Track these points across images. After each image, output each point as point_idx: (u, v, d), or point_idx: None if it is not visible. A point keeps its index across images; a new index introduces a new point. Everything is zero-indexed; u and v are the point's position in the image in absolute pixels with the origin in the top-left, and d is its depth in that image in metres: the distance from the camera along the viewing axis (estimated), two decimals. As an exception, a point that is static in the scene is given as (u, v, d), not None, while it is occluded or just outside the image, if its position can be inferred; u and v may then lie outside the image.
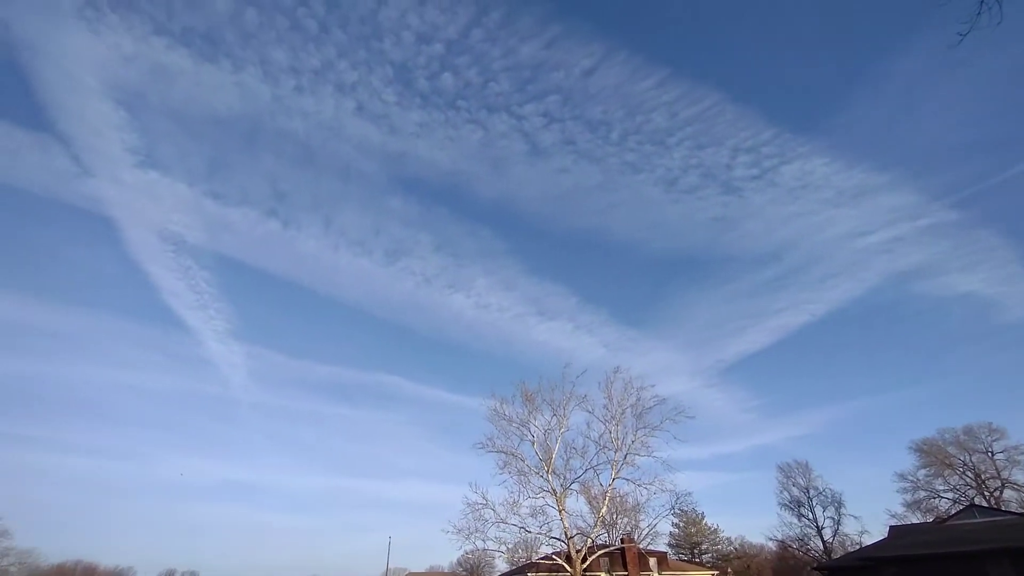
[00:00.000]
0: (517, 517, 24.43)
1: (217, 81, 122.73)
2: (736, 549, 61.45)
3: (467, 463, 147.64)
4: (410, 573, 74.42)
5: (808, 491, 51.55)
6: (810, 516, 50.76)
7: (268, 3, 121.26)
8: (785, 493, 52.76)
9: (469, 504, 24.40)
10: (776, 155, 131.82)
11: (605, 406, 26.07)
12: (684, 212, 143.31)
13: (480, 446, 25.83)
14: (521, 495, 24.68)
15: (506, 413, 26.30)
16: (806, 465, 52.92)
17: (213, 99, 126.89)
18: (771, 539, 56.05)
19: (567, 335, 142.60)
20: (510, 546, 26.28)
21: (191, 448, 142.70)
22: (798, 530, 51.38)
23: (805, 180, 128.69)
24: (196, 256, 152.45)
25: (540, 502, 24.81)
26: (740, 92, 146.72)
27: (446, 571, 73.24)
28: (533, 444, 25.92)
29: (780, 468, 54.18)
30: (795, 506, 51.85)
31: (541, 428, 26.27)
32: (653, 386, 26.12)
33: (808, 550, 50.54)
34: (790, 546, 53.07)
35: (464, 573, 65.65)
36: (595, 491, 27.79)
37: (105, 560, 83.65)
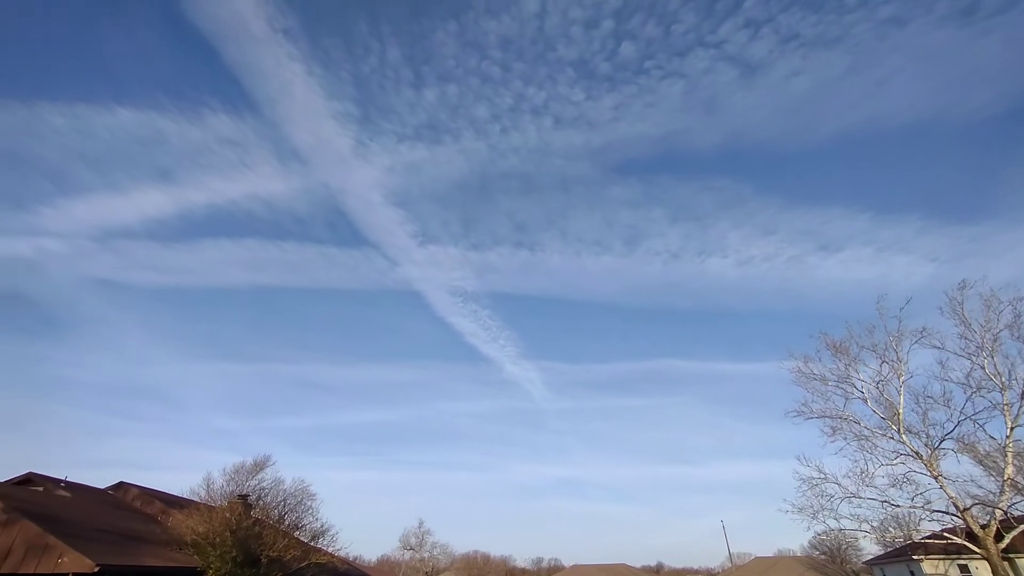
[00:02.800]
0: (873, 489, 20.31)
1: (447, 156, 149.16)
2: None
3: (777, 434, 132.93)
4: (756, 558, 69.78)
5: None
6: None
7: (459, 75, 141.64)
8: None
9: (804, 480, 21.52)
10: None
11: (962, 336, 19.62)
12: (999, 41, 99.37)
13: (795, 414, 22.68)
14: (870, 463, 20.50)
15: (815, 372, 22.50)
16: None
17: (449, 171, 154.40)
18: None
19: (866, 262, 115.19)
20: (875, 524, 21.87)
21: (524, 456, 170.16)
22: None
23: None
24: (476, 300, 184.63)
25: (901, 469, 20.10)
26: None
27: (798, 555, 65.87)
28: (866, 401, 21.37)
29: None
30: None
31: (870, 381, 21.45)
32: (1035, 292, 18.41)
33: None
34: None
35: (823, 557, 57.66)
36: (985, 447, 20.91)
37: (493, 550, 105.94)
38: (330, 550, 23.32)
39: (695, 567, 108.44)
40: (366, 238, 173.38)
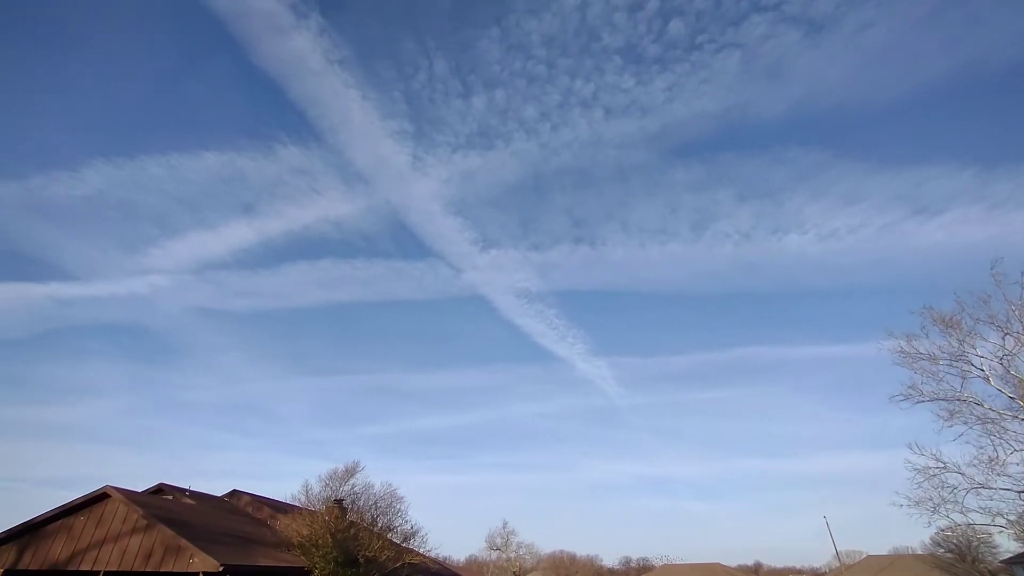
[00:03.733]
0: (1007, 479, 17.93)
1: (499, 160, 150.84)
2: None
3: (883, 421, 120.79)
4: (869, 556, 63.95)
5: None
6: None
7: (505, 79, 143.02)
8: None
9: (919, 470, 19.42)
10: None
11: (1106, 298, 16.85)
12: None
13: (901, 398, 20.53)
14: (999, 449, 18.12)
15: (922, 351, 20.26)
16: None
17: (503, 175, 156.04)
18: None
19: (975, 223, 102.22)
20: (1012, 518, 19.26)
21: (602, 454, 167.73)
22: None
23: None
24: (542, 300, 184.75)
25: (1039, 454, 17.57)
26: None
27: (919, 553, 59.53)
28: (988, 379, 18.93)
29: None
30: None
31: (992, 356, 18.98)
32: None
33: None
34: None
35: (949, 555, 51.65)
36: None
37: (578, 550, 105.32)
38: (421, 551, 24.31)
39: (798, 566, 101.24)
40: (429, 249, 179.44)
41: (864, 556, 65.00)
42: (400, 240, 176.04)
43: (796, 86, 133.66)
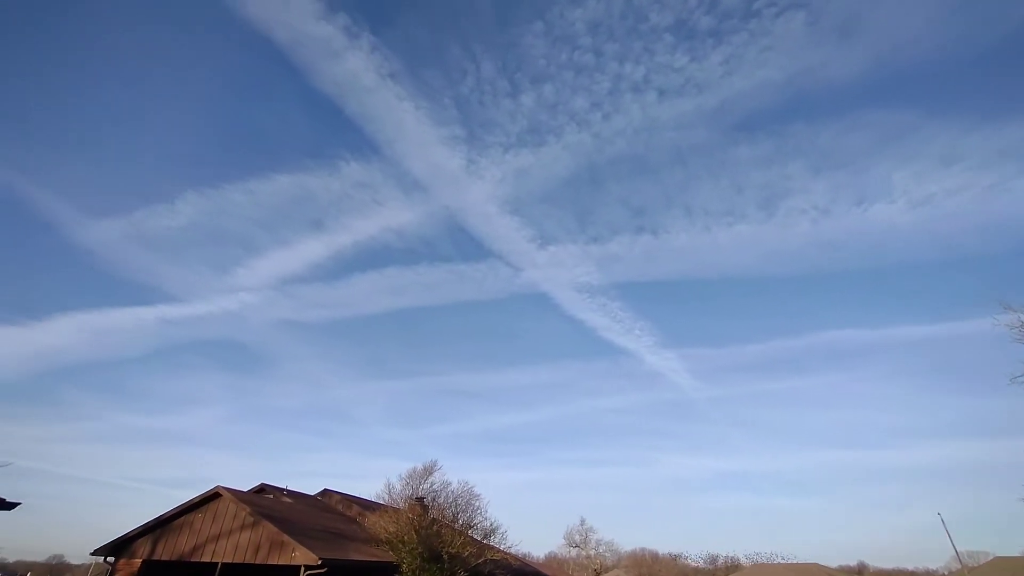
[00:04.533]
0: None
1: (552, 155, 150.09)
2: None
3: (1004, 405, 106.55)
4: (998, 558, 56.94)
5: None
6: None
7: (552, 72, 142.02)
8: None
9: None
10: None
11: None
12: None
13: (1026, 380, 18.14)
14: None
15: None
16: None
17: (556, 169, 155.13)
18: None
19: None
20: None
21: (679, 448, 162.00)
22: None
23: None
24: (604, 293, 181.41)
25: None
26: None
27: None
28: None
29: None
30: None
31: None
32: None
33: None
34: None
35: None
36: None
37: (659, 547, 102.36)
38: (502, 548, 24.79)
39: (909, 567, 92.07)
40: (488, 249, 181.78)
41: (992, 557, 57.95)
42: (459, 243, 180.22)
43: (872, 43, 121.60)
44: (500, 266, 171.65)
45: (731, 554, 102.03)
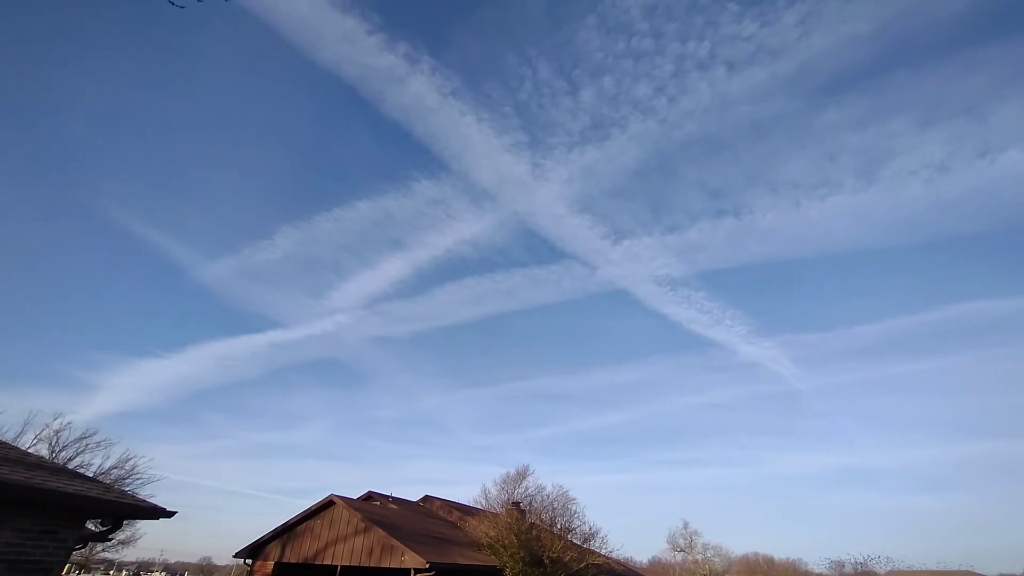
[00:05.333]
0: None
1: (618, 148, 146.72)
2: None
3: None
4: None
5: None
6: None
7: (610, 64, 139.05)
8: None
9: None
10: None
11: None
12: None
13: None
14: None
15: None
16: None
17: (624, 162, 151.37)
18: None
19: None
20: None
21: (787, 445, 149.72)
22: None
23: None
24: (686, 284, 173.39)
25: None
26: None
27: None
28: None
29: None
30: None
31: None
32: None
33: None
34: None
35: None
36: None
37: (774, 551, 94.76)
38: (603, 552, 24.32)
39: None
40: (562, 251, 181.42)
41: None
42: (532, 247, 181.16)
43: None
44: (575, 266, 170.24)
45: (861, 559, 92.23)
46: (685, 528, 67.09)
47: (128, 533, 32.20)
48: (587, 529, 24.57)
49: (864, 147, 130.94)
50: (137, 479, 25.35)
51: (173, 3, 4.43)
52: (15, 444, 12.62)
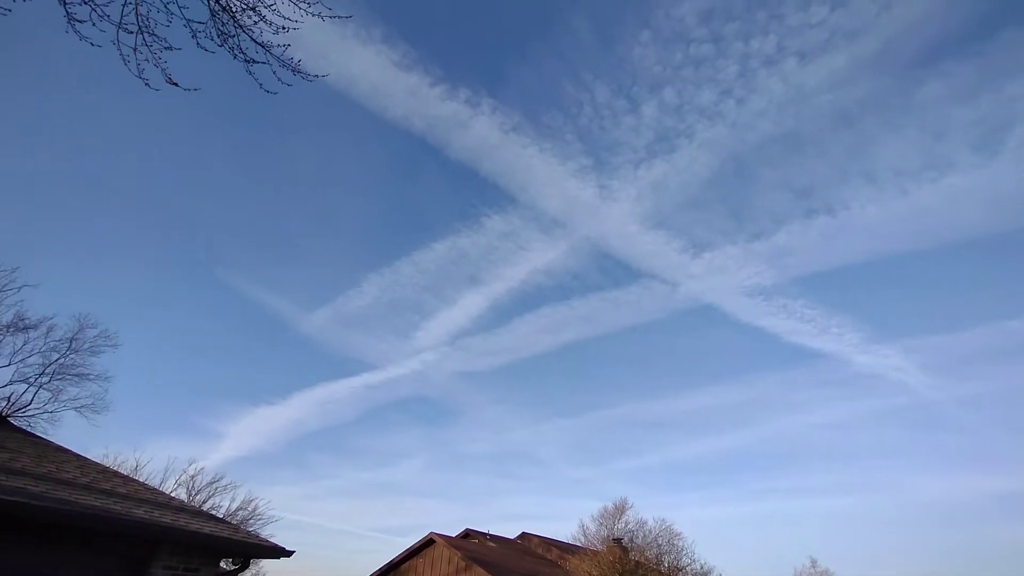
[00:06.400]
0: None
1: (687, 159, 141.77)
2: None
3: None
4: None
5: None
6: None
7: (669, 75, 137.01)
8: None
9: None
10: None
11: None
12: None
13: None
14: None
15: None
16: None
17: (695, 171, 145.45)
18: None
19: None
20: None
21: (927, 467, 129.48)
22: None
23: None
24: (781, 292, 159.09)
25: None
26: None
27: None
28: None
29: None
30: None
31: None
32: None
33: None
34: None
35: None
36: None
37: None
38: (719, 593, 22.25)
39: None
40: (638, 270, 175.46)
41: None
42: (607, 269, 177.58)
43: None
44: (654, 284, 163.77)
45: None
46: (813, 567, 59.64)
47: (253, 572, 34.88)
48: (699, 568, 22.71)
49: (977, 119, 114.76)
50: (259, 519, 27.50)
51: (265, 88, 5.08)
52: (161, 489, 14.38)
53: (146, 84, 4.30)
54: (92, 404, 16.79)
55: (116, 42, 4.10)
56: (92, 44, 4.13)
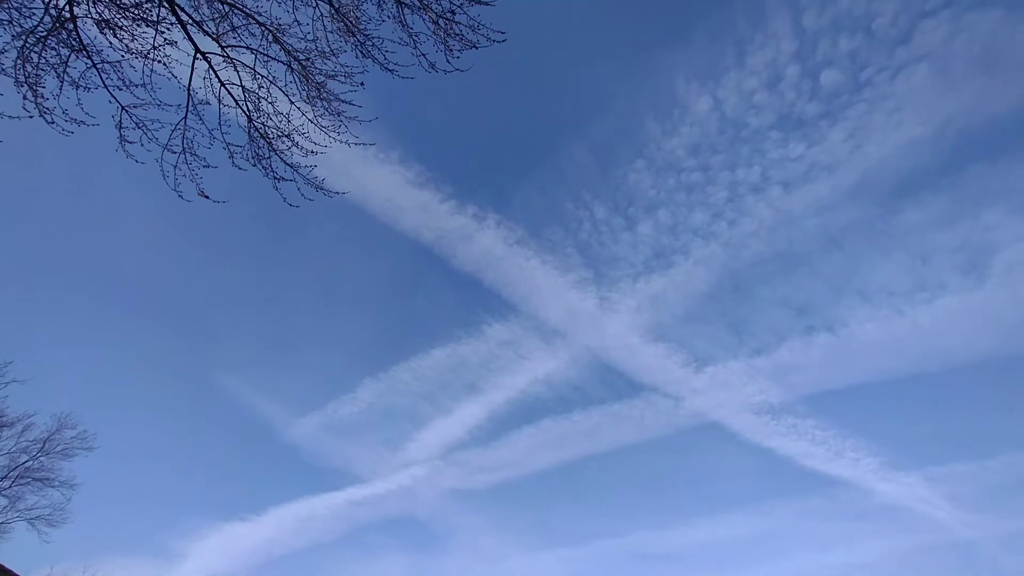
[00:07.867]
0: None
1: (684, 274, 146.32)
2: None
3: None
4: None
5: None
6: None
7: (663, 198, 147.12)
8: None
9: None
10: None
11: None
12: None
13: None
14: None
15: None
16: None
17: (693, 286, 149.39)
18: None
19: None
20: None
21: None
22: None
23: None
24: (789, 410, 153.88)
25: None
26: None
27: None
28: None
29: None
30: None
31: None
32: None
33: None
34: None
35: None
36: None
37: None
38: None
39: None
40: (640, 383, 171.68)
41: None
42: (609, 382, 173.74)
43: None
44: (657, 399, 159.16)
45: None
46: None
47: None
48: None
49: (959, 244, 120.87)
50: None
51: (288, 202, 5.48)
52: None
53: (180, 196, 4.66)
54: (49, 515, 15.48)
55: (159, 160, 4.52)
56: (137, 161, 4.56)
